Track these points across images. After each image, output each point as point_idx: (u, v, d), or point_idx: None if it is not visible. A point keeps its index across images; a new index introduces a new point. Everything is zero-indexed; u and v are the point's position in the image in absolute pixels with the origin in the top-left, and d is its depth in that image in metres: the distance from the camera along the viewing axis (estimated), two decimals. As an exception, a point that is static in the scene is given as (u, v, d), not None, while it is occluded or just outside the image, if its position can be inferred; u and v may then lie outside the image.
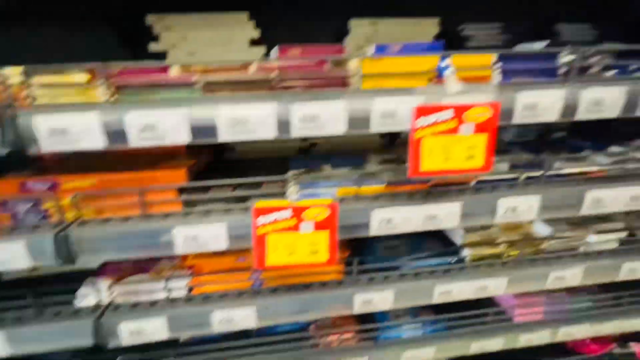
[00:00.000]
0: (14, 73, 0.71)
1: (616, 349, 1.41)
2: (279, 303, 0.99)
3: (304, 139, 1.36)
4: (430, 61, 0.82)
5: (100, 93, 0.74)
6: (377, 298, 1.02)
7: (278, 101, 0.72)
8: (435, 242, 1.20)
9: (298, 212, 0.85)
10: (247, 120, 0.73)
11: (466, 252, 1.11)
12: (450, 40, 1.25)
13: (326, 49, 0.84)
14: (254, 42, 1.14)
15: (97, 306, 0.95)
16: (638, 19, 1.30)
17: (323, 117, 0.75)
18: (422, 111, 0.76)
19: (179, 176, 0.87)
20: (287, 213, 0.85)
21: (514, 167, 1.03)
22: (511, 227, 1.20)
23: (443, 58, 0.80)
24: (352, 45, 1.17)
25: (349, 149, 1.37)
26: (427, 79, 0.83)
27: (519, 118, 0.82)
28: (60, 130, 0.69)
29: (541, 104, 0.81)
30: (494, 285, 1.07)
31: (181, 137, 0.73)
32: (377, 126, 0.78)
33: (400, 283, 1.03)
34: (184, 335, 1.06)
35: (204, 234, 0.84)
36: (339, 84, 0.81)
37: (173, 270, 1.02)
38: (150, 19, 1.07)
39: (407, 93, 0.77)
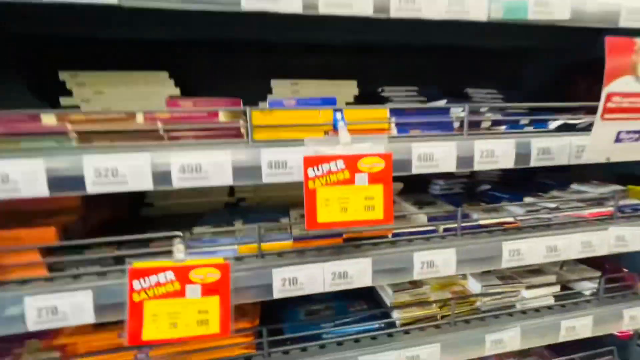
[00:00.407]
0: None
1: None
2: (168, 391, 0.81)
3: (230, 194, 1.30)
4: (325, 115, 0.83)
5: (-44, 142, 0.67)
6: (291, 377, 0.86)
7: (152, 151, 0.68)
8: (365, 303, 1.09)
9: (183, 273, 0.75)
10: (117, 171, 0.67)
11: (396, 315, 1.01)
12: (370, 101, 1.32)
13: (220, 101, 0.84)
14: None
15: None
16: (535, 86, 1.48)
17: (206, 168, 0.70)
18: (311, 161, 0.74)
19: (47, 235, 0.76)
20: (170, 275, 0.74)
21: (432, 220, 1.00)
22: (444, 284, 1.12)
23: (336, 111, 0.82)
24: (273, 103, 1.20)
25: (279, 202, 1.32)
26: (322, 131, 0.83)
27: (416, 168, 0.82)
28: None
29: (436, 154, 0.82)
30: (427, 353, 0.95)
31: (37, 190, 0.65)
32: (269, 177, 0.75)
33: (320, 356, 0.89)
34: None
35: (64, 304, 0.70)
36: (233, 135, 0.79)
37: (37, 353, 0.83)
38: (63, 76, 1.06)
39: (298, 144, 0.75)
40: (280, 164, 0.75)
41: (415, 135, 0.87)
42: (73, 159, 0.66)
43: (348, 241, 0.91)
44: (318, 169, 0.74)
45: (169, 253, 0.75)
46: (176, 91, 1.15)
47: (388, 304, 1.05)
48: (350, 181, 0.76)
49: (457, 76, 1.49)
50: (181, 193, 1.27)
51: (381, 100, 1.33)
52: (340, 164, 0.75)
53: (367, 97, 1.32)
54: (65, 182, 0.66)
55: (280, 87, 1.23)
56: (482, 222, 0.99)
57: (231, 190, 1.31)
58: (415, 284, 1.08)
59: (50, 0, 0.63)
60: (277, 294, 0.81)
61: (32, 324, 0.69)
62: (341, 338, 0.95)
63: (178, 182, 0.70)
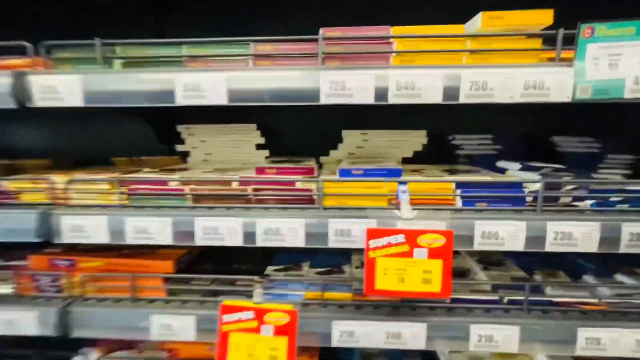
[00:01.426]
0: (59, 180, 0.96)
1: None
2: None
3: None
4: (389, 186, 0.89)
5: (116, 198, 0.94)
6: (342, 416, 0.96)
7: (244, 217, 0.84)
8: (420, 355, 1.12)
9: (260, 314, 0.90)
10: (217, 230, 0.85)
11: (450, 380, 1.02)
12: (440, 149, 1.32)
13: (297, 170, 0.97)
14: (260, 147, 1.34)
15: (83, 377, 1.05)
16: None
17: (283, 232, 0.84)
18: (373, 233, 0.82)
19: (165, 266, 1.00)
20: (250, 314, 0.91)
21: (496, 288, 0.98)
22: (507, 355, 1.07)
23: (401, 184, 0.87)
24: (343, 152, 1.31)
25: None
26: (387, 200, 0.90)
27: (479, 245, 0.83)
28: (78, 227, 0.89)
29: (502, 233, 0.81)
30: None
31: (166, 239, 0.87)
32: (334, 243, 0.85)
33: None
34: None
35: (176, 324, 0.93)
36: (307, 200, 0.92)
37: (153, 351, 1.10)
38: (180, 128, 1.34)
39: (361, 215, 0.84)
40: (345, 233, 0.85)
41: (481, 209, 0.87)
42: (189, 219, 0.86)
43: (405, 301, 0.96)
44: (379, 241, 0.82)
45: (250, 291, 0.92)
46: (261, 140, 1.35)
47: (443, 361, 1.06)
48: (409, 254, 0.82)
49: (542, 119, 1.37)
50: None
51: (451, 149, 1.32)
52: (400, 238, 0.81)
53: (437, 144, 1.33)
54: (183, 236, 0.87)
55: (351, 137, 1.32)
56: (556, 299, 0.93)
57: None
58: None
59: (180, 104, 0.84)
60: (335, 343, 0.91)
61: (155, 336, 0.93)
62: (392, 388, 1.00)
63: (261, 242, 0.86)
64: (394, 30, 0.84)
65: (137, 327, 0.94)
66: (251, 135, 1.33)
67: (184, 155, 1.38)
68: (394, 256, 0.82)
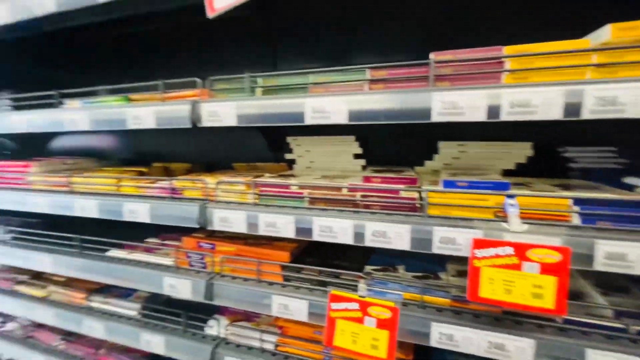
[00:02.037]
0: (211, 181, 1.24)
1: None
2: (341, 384, 1.12)
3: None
4: (495, 198, 0.92)
5: (250, 197, 1.18)
6: (437, 416, 1.01)
7: (354, 219, 0.98)
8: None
9: (364, 306, 1.02)
10: (332, 229, 1.01)
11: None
12: (547, 162, 1.25)
13: (401, 180, 1.06)
14: (357, 156, 1.47)
15: (216, 337, 1.33)
16: None
17: (389, 235, 0.95)
18: (480, 243, 0.86)
19: (283, 256, 1.20)
20: (355, 305, 1.03)
21: (620, 315, 0.90)
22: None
23: (509, 197, 0.89)
24: (439, 163, 1.35)
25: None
26: (492, 212, 0.92)
27: (602, 266, 0.79)
28: (224, 219, 1.15)
29: (631, 255, 0.77)
30: None
31: (289, 233, 1.07)
32: (438, 249, 0.92)
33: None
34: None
35: (292, 305, 1.11)
36: (410, 208, 1.00)
37: (268, 325, 1.32)
38: (289, 139, 1.57)
39: (467, 225, 0.88)
40: (450, 241, 0.90)
41: (603, 227, 0.83)
42: (309, 219, 1.04)
43: (507, 314, 0.96)
44: (485, 251, 0.85)
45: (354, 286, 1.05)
46: (359, 150, 1.48)
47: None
48: (518, 267, 0.83)
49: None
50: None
51: (562, 162, 1.24)
52: (509, 250, 0.84)
53: (544, 156, 1.26)
54: (303, 231, 1.05)
55: (447, 148, 1.35)
56: (703, 337, 0.82)
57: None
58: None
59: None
60: (433, 343, 0.97)
61: (275, 312, 1.14)
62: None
63: (369, 242, 0.98)
64: (507, 50, 0.87)
65: (262, 303, 1.15)
66: (350, 146, 1.48)
67: (290, 162, 1.61)
68: (501, 267, 0.84)
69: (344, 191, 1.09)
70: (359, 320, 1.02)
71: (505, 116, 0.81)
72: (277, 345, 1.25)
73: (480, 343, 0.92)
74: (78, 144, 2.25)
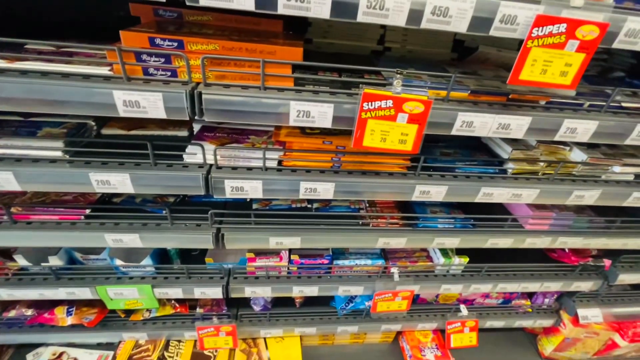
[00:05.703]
0: None
1: (590, 262, 1.76)
2: (353, 183, 1.18)
3: (380, 42, 1.39)
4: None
5: None
6: (433, 191, 1.22)
7: None
8: (482, 155, 1.37)
9: (398, 103, 0.97)
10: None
11: (510, 165, 1.29)
12: None
13: None
14: None
15: (203, 164, 1.12)
16: None
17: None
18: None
19: (296, 54, 0.94)
20: (389, 103, 0.96)
21: (579, 95, 1.14)
22: (552, 151, 1.36)
23: None
24: None
25: (421, 57, 1.43)
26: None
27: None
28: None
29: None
30: (527, 194, 1.28)
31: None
32: (496, 31, 0.85)
33: (453, 181, 1.23)
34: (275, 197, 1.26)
35: (314, 111, 0.96)
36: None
37: (266, 144, 1.16)
38: None
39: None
40: (509, 19, 0.84)
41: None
42: None
43: (511, 100, 1.08)
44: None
45: (379, 85, 0.95)
46: None
47: (505, 157, 1.32)
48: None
49: None
50: (336, 34, 1.36)
51: None
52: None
53: None
54: None
55: None
56: (624, 104, 1.13)
57: (381, 38, 1.39)
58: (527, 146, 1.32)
59: None
60: (454, 132, 1.05)
61: (292, 120, 0.97)
62: (469, 173, 1.26)
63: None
64: None
65: (276, 112, 0.95)
66: None
67: None
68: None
69: None
70: (392, 118, 0.98)
71: None
72: (280, 162, 1.16)
73: (492, 125, 1.05)
74: None
